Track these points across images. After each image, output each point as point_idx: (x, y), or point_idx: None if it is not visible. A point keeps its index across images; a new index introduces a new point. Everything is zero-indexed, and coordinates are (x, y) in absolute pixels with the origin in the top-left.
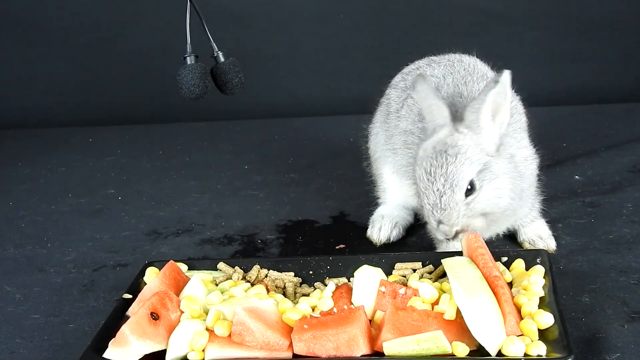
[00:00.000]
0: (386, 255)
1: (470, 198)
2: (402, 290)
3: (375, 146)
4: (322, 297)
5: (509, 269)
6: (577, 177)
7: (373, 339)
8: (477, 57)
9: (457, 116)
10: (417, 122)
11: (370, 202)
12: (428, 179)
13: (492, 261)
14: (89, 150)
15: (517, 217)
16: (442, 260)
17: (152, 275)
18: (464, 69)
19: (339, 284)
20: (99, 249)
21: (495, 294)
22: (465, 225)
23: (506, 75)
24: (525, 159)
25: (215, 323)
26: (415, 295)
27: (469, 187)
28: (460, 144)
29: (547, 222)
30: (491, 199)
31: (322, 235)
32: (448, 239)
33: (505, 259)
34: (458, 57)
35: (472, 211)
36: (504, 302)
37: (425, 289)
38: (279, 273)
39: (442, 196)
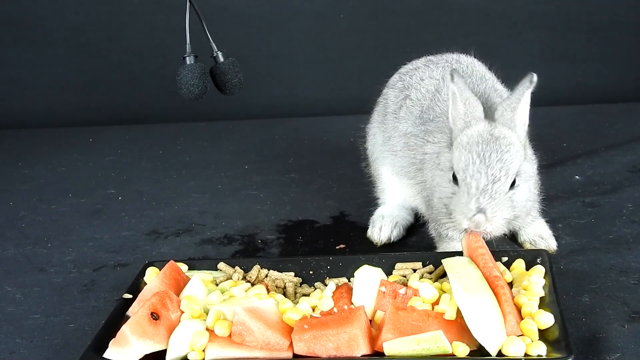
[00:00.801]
0: (386, 255)
1: (511, 192)
2: (402, 290)
3: (373, 147)
4: (323, 297)
5: (509, 269)
6: (577, 177)
7: (373, 339)
8: (474, 57)
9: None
10: (419, 124)
11: (370, 202)
12: (481, 162)
13: (493, 261)
14: (89, 150)
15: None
16: (443, 260)
17: (152, 275)
18: (462, 71)
19: (339, 284)
20: (99, 249)
21: (495, 294)
22: (499, 225)
23: (535, 77)
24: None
25: (216, 323)
26: (415, 295)
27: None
28: (509, 136)
29: (547, 222)
30: (524, 200)
31: (323, 235)
32: (468, 230)
33: (505, 259)
34: (456, 57)
35: (514, 207)
36: (504, 302)
37: (425, 289)
38: (279, 273)
39: (495, 182)
